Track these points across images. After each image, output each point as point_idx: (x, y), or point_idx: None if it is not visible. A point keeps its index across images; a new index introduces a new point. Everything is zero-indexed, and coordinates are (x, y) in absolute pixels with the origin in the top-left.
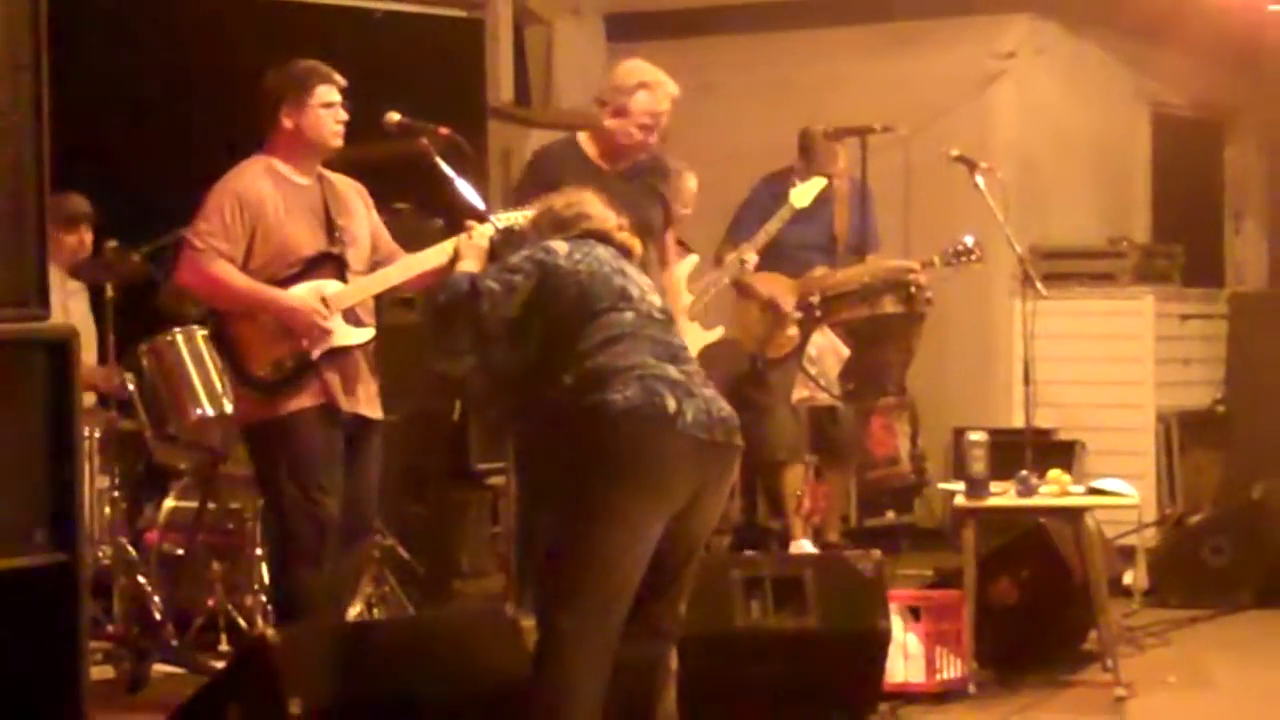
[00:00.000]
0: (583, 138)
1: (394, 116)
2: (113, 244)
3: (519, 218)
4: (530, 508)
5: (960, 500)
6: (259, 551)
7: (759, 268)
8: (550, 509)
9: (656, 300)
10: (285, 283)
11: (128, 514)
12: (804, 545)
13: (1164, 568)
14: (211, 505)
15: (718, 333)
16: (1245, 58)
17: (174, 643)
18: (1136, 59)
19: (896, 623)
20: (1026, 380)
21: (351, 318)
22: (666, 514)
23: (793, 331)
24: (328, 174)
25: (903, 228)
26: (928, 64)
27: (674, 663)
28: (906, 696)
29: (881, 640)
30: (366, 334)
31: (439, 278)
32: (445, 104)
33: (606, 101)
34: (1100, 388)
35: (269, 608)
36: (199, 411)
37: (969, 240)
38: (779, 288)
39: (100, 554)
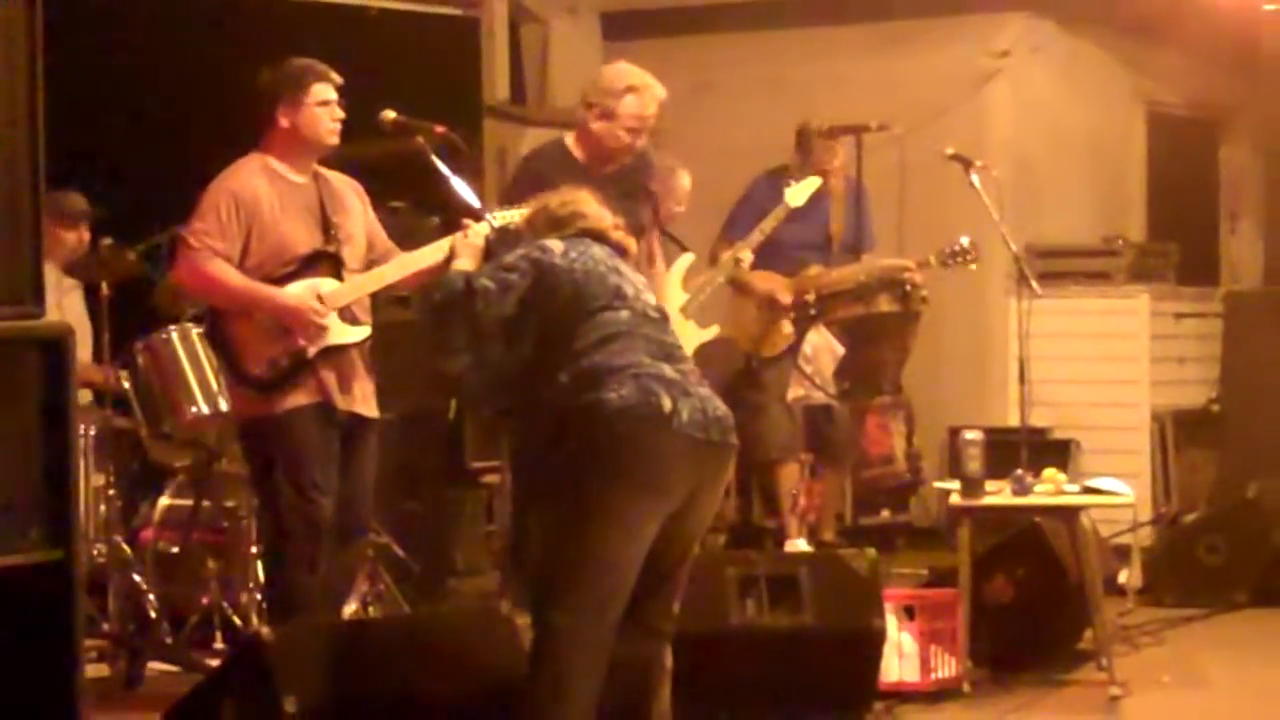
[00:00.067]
0: (570, 140)
1: (390, 115)
2: (108, 242)
3: (514, 216)
4: (525, 506)
5: (955, 499)
6: (254, 550)
7: (754, 266)
8: (546, 508)
9: (651, 299)
10: (281, 281)
11: (123, 512)
12: (799, 544)
13: (1159, 567)
14: (206, 503)
15: (713, 331)
16: (1241, 57)
17: (169, 641)
18: (1132, 58)
19: (891, 621)
20: (1022, 379)
21: (348, 316)
22: (662, 513)
23: (788, 330)
24: (324, 172)
25: (898, 226)
26: (923, 62)
27: (668, 661)
28: (901, 695)
29: (876, 639)
30: (362, 332)
31: (435, 276)
32: (441, 102)
33: (593, 104)
34: (1095, 386)
35: (264, 606)
36: (194, 410)
37: (965, 240)
38: (775, 285)
39: (95, 552)
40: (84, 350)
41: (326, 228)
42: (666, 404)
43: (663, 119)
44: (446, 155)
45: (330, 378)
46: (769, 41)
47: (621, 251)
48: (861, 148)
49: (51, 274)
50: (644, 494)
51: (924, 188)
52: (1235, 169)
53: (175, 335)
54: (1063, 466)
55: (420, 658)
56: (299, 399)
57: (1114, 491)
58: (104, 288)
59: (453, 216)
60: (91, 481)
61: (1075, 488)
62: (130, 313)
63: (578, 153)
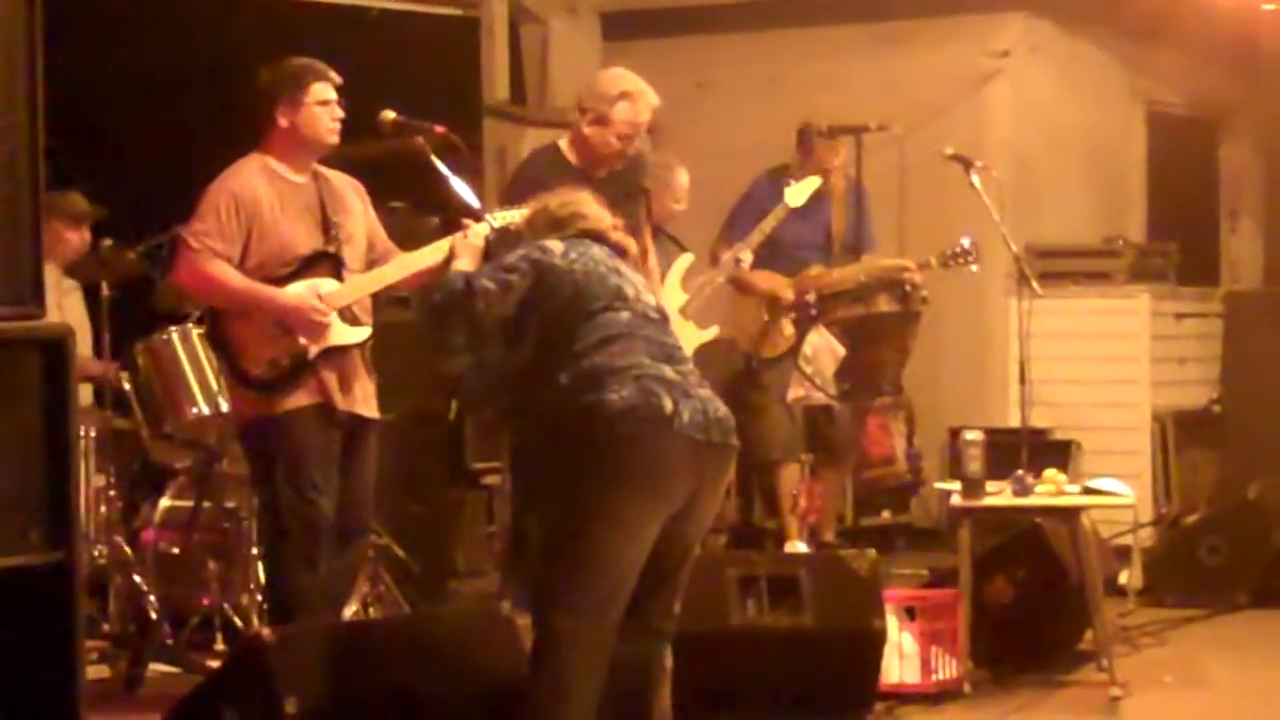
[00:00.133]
0: (564, 144)
1: (389, 115)
2: (108, 242)
3: (514, 217)
4: (525, 507)
5: (956, 500)
6: (255, 551)
7: (755, 266)
8: (546, 509)
9: (652, 300)
10: (281, 281)
11: (123, 513)
12: (799, 545)
13: (1160, 567)
14: (207, 504)
15: (713, 332)
16: (1240, 56)
17: (169, 642)
18: (1131, 57)
19: (892, 622)
20: (1022, 379)
21: (348, 317)
22: (663, 514)
23: (789, 330)
24: (324, 171)
25: (898, 227)
26: (923, 62)
27: (669, 661)
28: (902, 696)
29: (877, 640)
30: (363, 333)
31: (435, 276)
32: (441, 102)
33: (587, 109)
34: (1096, 387)
35: (265, 607)
36: (195, 410)
37: (966, 242)
38: (777, 284)
39: (96, 553)
40: (83, 347)
41: (327, 228)
42: (667, 405)
43: (662, 119)
44: (446, 155)
45: (331, 378)
46: (768, 41)
47: (621, 252)
48: (861, 148)
49: (52, 274)
50: (645, 495)
51: (924, 188)
52: (1235, 168)
53: (176, 336)
54: (1063, 467)
55: (421, 659)
56: (299, 400)
57: (1114, 492)
58: (104, 288)
59: (452, 217)
60: (92, 482)
61: (1076, 488)
62: (131, 313)
63: (571, 156)
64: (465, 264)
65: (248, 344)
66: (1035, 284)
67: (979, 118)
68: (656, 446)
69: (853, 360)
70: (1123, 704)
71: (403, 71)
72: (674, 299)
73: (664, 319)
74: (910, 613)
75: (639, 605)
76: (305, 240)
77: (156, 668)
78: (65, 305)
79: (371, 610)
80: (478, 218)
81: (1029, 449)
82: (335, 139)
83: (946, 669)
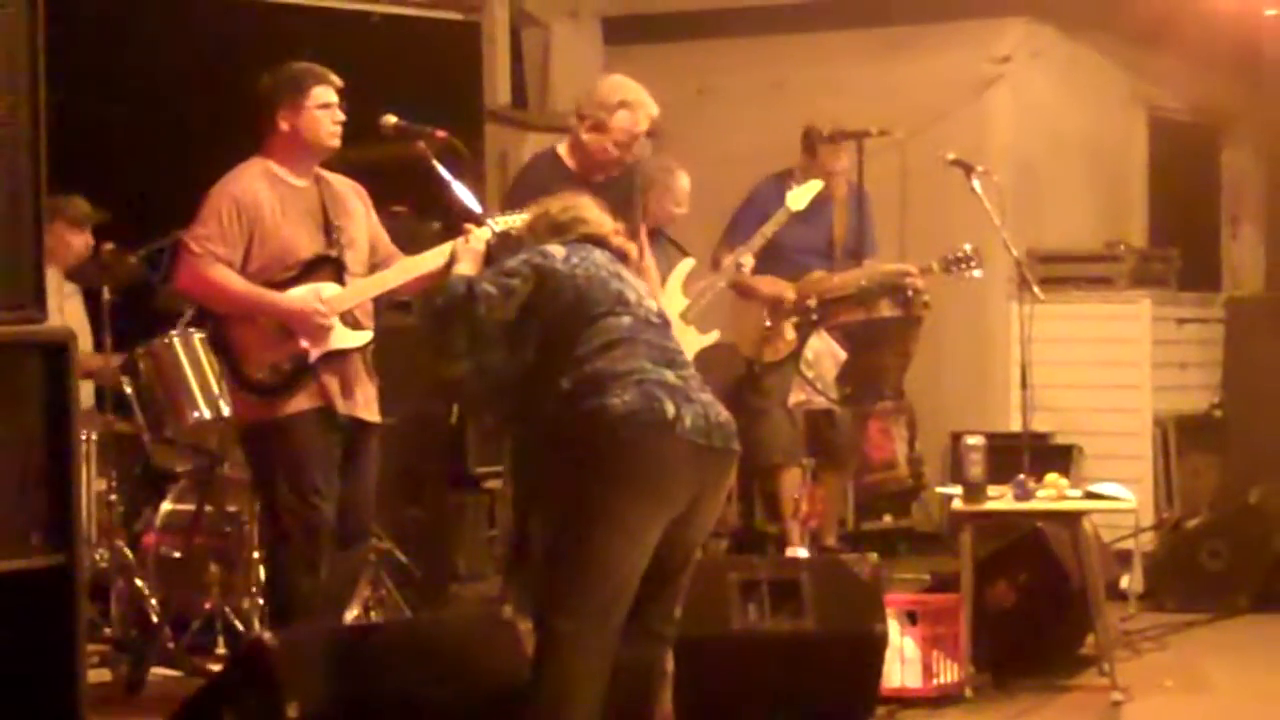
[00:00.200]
0: (562, 150)
1: (391, 119)
2: (110, 246)
3: (516, 221)
4: (527, 512)
5: (957, 504)
6: (256, 554)
7: (756, 271)
8: (548, 513)
9: (653, 305)
10: (283, 285)
11: (125, 517)
12: (800, 550)
13: (1161, 572)
14: (209, 508)
15: (713, 336)
16: (1242, 62)
17: (171, 645)
18: (1133, 62)
19: (893, 627)
20: (1023, 384)
21: (350, 321)
22: (665, 519)
23: (790, 335)
24: (326, 175)
25: (899, 231)
26: (924, 68)
27: (670, 665)
28: (903, 701)
29: (878, 644)
30: (364, 337)
31: (436, 281)
32: (442, 107)
33: (586, 115)
34: (1097, 392)
35: (266, 610)
36: (196, 414)
37: (968, 247)
38: (779, 288)
39: (98, 557)
40: (83, 351)
41: (328, 232)
42: (669, 410)
43: (664, 123)
44: (447, 160)
45: (332, 382)
46: (770, 46)
47: (623, 257)
48: (862, 153)
49: (53, 278)
50: (647, 500)
51: (925, 193)
52: (1237, 174)
53: (177, 340)
54: (1065, 471)
55: (422, 663)
56: (300, 404)
57: (1116, 496)
58: (105, 292)
59: (454, 221)
60: (93, 486)
61: (1077, 493)
62: (131, 317)
63: (569, 161)
64: (467, 268)
65: (249, 348)
66: (1037, 289)
67: (980, 123)
68: (658, 451)
69: (854, 365)
70: (1124, 708)
71: (404, 76)
72: (675, 303)
73: (665, 323)
74: (912, 617)
75: (640, 609)
76: (307, 244)
77: (158, 671)
78: (66, 309)
79: (373, 614)
80: (479, 222)
81: (1030, 453)
82: (336, 143)
83: (948, 673)
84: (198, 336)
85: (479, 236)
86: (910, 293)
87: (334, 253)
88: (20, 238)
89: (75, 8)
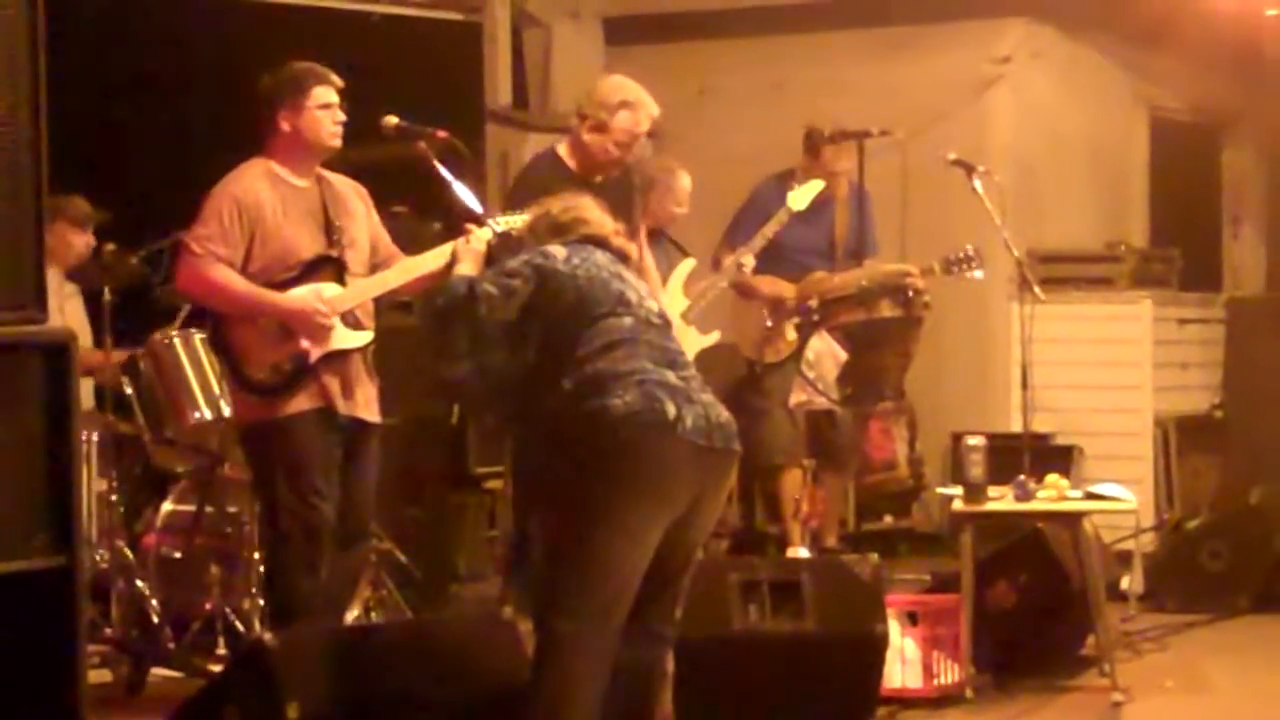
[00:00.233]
0: (562, 150)
1: (392, 120)
2: (111, 247)
3: (517, 222)
4: (527, 512)
5: (958, 505)
6: (257, 555)
7: (757, 271)
8: (549, 513)
9: (654, 305)
10: (284, 286)
11: (126, 517)
12: (801, 550)
13: (1161, 572)
14: (209, 509)
15: (714, 337)
16: (1243, 62)
17: (171, 646)
18: (1134, 63)
19: (894, 627)
20: (1024, 385)
21: (350, 321)
22: (666, 519)
23: (791, 335)
24: (327, 175)
25: (900, 232)
26: (925, 68)
27: (670, 666)
28: (904, 701)
29: (879, 645)
30: (365, 337)
31: (437, 281)
32: (443, 107)
33: (587, 115)
34: (1098, 392)
35: (266, 611)
36: (197, 415)
37: (970, 248)
38: (780, 288)
39: (98, 557)
40: (83, 343)
41: (329, 232)
42: (670, 410)
43: (665, 124)
44: (448, 160)
45: (332, 383)
46: (771, 47)
47: (623, 258)
48: (863, 153)
49: (53, 279)
50: (648, 500)
51: (926, 193)
52: (1237, 174)
53: (178, 340)
54: (1065, 472)
55: (423, 663)
56: (301, 404)
57: (1116, 497)
58: (106, 293)
59: (455, 221)
60: (94, 487)
61: (1078, 493)
62: (132, 317)
63: (570, 162)
64: (467, 269)
65: (249, 348)
66: (1037, 289)
67: (981, 123)
68: (659, 452)
69: (855, 365)
70: (1125, 709)
71: (405, 76)
72: (676, 304)
73: (666, 324)
74: (912, 618)
75: (641, 610)
76: (308, 244)
77: (158, 672)
78: (66, 309)
79: (373, 614)
80: (480, 223)
81: (1031, 454)
82: (337, 143)
83: (948, 674)
84: (198, 337)
85: (480, 237)
86: (911, 293)
87: (335, 253)
88: (21, 238)
89: (75, 8)
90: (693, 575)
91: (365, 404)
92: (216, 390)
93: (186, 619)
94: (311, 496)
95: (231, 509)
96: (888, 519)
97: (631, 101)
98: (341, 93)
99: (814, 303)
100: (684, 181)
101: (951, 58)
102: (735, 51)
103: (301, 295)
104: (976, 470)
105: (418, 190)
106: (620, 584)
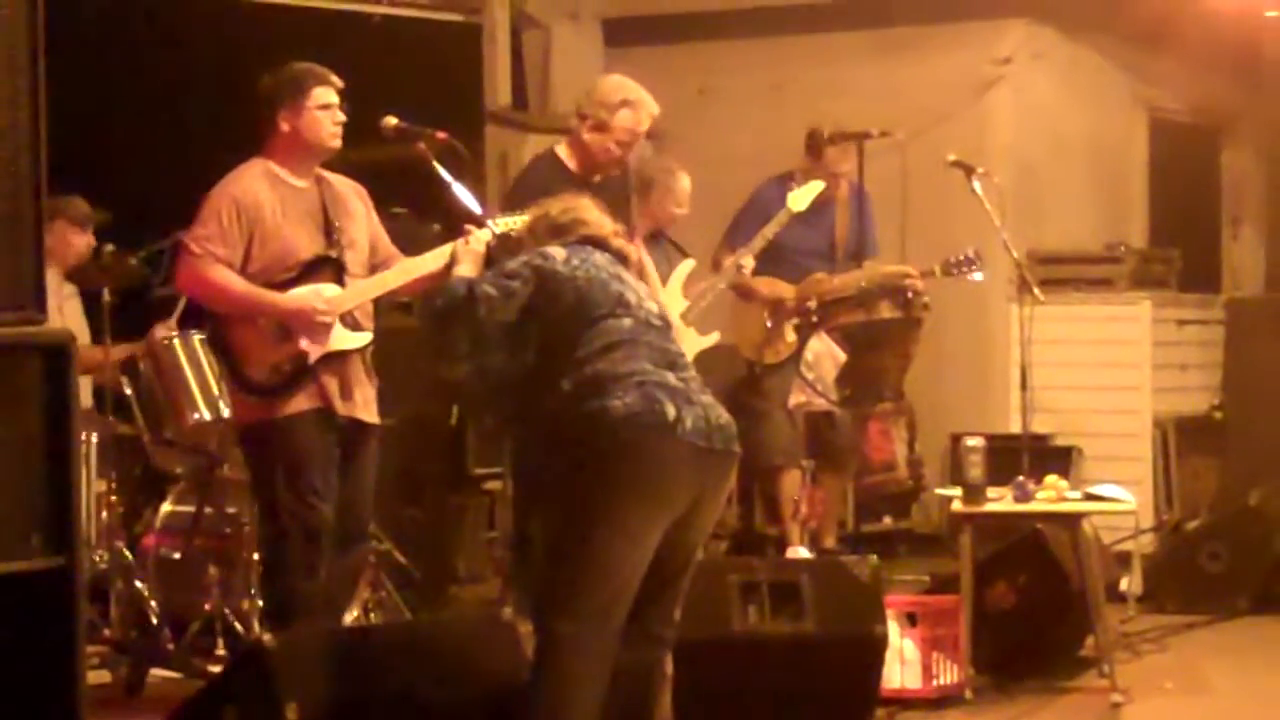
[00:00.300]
0: (563, 151)
1: (391, 121)
2: (110, 248)
3: (516, 223)
4: (527, 513)
5: (957, 506)
6: (256, 556)
7: (757, 272)
8: (549, 515)
9: (654, 307)
10: (282, 286)
11: (125, 518)
12: (800, 551)
13: (1161, 573)
14: (208, 509)
15: (713, 338)
16: (1243, 63)
17: (170, 647)
18: (1134, 64)
19: (893, 628)
20: (1023, 386)
21: (349, 322)
22: (666, 521)
23: (791, 337)
24: (327, 175)
25: (900, 233)
26: (925, 69)
27: (669, 668)
28: (903, 702)
29: (878, 646)
30: (364, 338)
31: (436, 282)
32: (443, 108)
33: (587, 115)
34: (1097, 393)
35: (265, 612)
36: (196, 416)
37: (970, 251)
38: (779, 289)
39: (97, 558)
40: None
41: (329, 232)
42: (670, 412)
43: (665, 124)
44: (448, 161)
45: (331, 383)
46: (771, 48)
47: (622, 259)
48: (863, 154)
49: (52, 280)
50: (648, 501)
51: (926, 194)
52: (1237, 175)
53: (177, 341)
54: (1064, 473)
55: (422, 665)
56: (300, 404)
57: (1116, 498)
58: (106, 294)
59: (454, 223)
60: (93, 487)
61: (1077, 494)
62: (131, 318)
63: (570, 162)
64: (467, 270)
65: (249, 349)
66: (1037, 290)
67: (981, 124)
68: (659, 453)
69: (854, 366)
70: (1124, 710)
71: (405, 77)
72: (675, 304)
73: (666, 325)
74: (912, 618)
75: (640, 612)
76: (307, 245)
77: (157, 673)
78: (65, 310)
79: (372, 615)
80: (479, 223)
81: (1030, 455)
82: (337, 143)
83: (948, 675)
84: (197, 337)
85: (479, 238)
86: (910, 294)
87: (334, 254)
88: (20, 238)
89: (75, 8)
90: (692, 576)
91: (364, 405)
92: (216, 391)
93: (185, 620)
94: (310, 497)
95: (231, 510)
96: (887, 520)
97: (632, 100)
98: (341, 93)
99: (813, 304)
100: (684, 182)
101: (952, 59)
102: (735, 52)
103: (301, 294)
104: (975, 471)
105: (417, 191)
106: (620, 585)
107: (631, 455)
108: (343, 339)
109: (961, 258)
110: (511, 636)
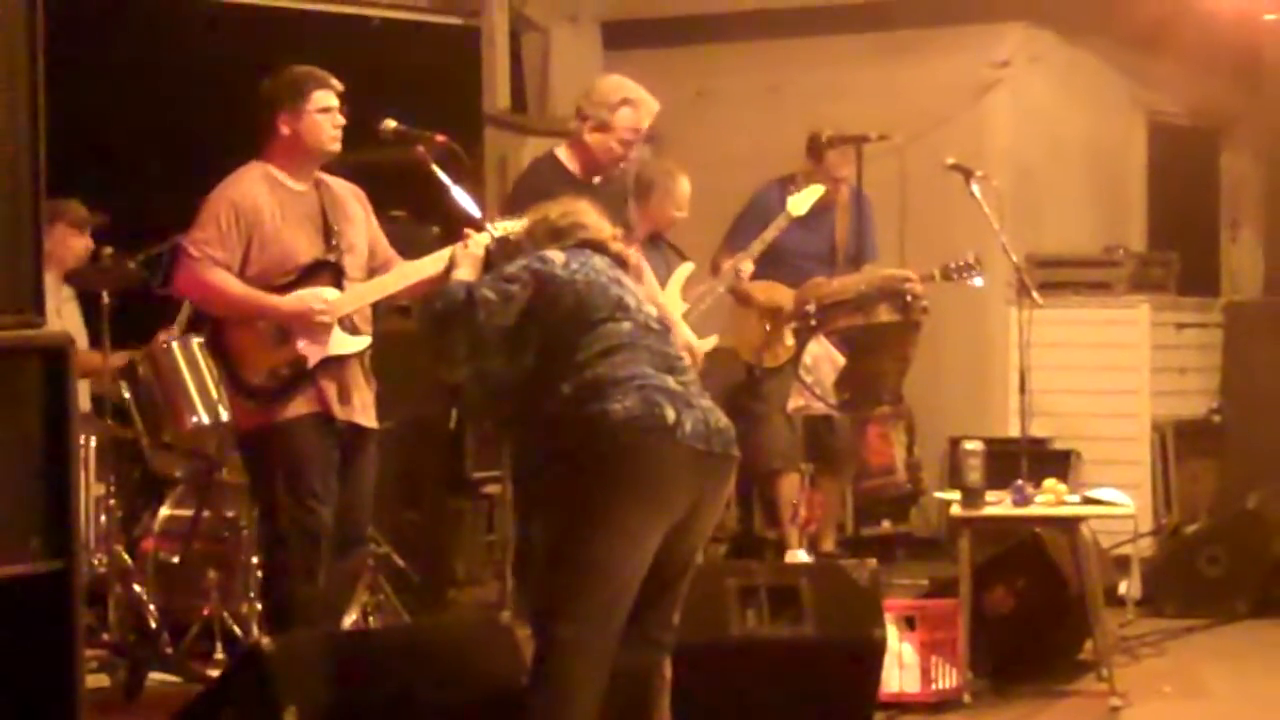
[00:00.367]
0: (563, 153)
1: (390, 124)
2: (109, 250)
3: (515, 226)
4: (527, 517)
5: (956, 509)
6: (254, 560)
7: (756, 276)
8: (548, 518)
9: (653, 310)
10: (282, 290)
11: (123, 522)
12: (799, 554)
13: (1159, 577)
14: (207, 513)
15: (712, 341)
16: (1241, 66)
17: (169, 651)
18: (1132, 67)
19: (892, 632)
20: (1022, 389)
21: (348, 326)
22: (665, 524)
23: (790, 340)
24: (326, 179)
25: (898, 236)
26: (924, 72)
27: (668, 671)
28: (902, 706)
29: (877, 649)
30: (363, 342)
31: (435, 286)
32: (442, 111)
33: (588, 116)
34: (1096, 397)
35: (264, 615)
36: (195, 419)
37: (970, 256)
38: (778, 295)
39: (96, 562)
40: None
41: (328, 236)
42: (670, 415)
43: (663, 127)
44: (447, 165)
45: (330, 388)
46: (769, 50)
47: (622, 262)
48: (862, 158)
49: (51, 283)
50: (647, 505)
51: (924, 198)
52: (1236, 178)
53: (176, 345)
54: (1063, 477)
55: (421, 668)
56: (299, 408)
57: (1114, 502)
58: (104, 296)
59: (453, 226)
60: (92, 491)
61: (1075, 498)
62: (130, 321)
63: (570, 164)
64: (466, 273)
65: (247, 353)
66: (1035, 294)
67: (980, 127)
68: (659, 456)
69: (853, 370)
70: (1122, 714)
71: (404, 80)
72: (674, 308)
73: (665, 329)
74: (910, 622)
75: (639, 616)
76: (306, 248)
77: (156, 677)
78: (64, 312)
79: (371, 619)
80: (478, 227)
81: (1029, 459)
82: (337, 146)
83: (946, 679)
84: (196, 341)
85: (478, 241)
86: (909, 298)
87: (333, 257)
88: (19, 240)
89: (75, 8)
90: (691, 580)
91: (362, 409)
92: (214, 395)
93: (184, 623)
94: (309, 501)
95: (229, 514)
96: (886, 524)
97: (632, 98)
98: (341, 96)
99: (812, 307)
100: (683, 185)
101: (950, 62)
102: (733, 55)
103: (300, 296)
104: (974, 475)
105: (416, 194)
106: (619, 588)
107: (631, 458)
108: (341, 343)
109: (962, 263)
110: (510, 640)
